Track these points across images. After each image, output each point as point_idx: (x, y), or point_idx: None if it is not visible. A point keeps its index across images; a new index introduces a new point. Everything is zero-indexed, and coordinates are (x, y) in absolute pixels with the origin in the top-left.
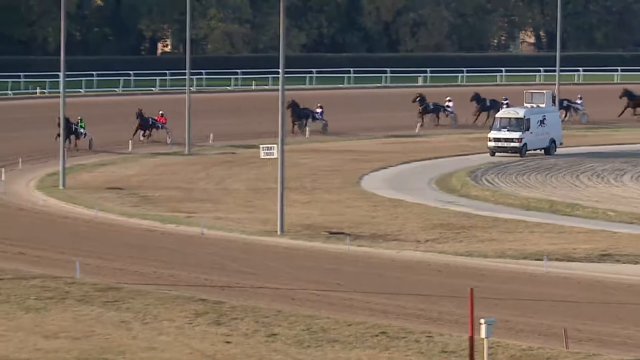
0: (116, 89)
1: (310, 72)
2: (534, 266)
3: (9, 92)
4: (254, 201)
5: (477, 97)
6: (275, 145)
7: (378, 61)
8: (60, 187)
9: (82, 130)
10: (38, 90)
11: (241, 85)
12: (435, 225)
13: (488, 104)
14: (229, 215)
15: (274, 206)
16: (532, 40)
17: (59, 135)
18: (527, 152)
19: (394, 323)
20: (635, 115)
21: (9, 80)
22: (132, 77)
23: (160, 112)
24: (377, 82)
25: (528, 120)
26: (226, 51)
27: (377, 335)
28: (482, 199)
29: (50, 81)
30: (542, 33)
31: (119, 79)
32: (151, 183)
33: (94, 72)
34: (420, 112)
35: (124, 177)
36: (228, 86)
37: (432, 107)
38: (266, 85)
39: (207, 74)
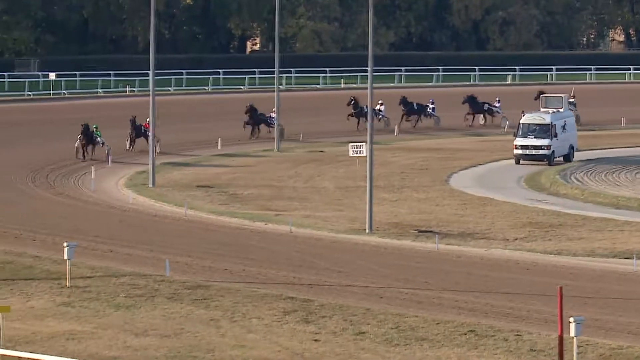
0: (205, 88)
1: (399, 71)
2: (623, 265)
3: (99, 90)
4: (343, 199)
5: (404, 101)
6: (364, 144)
7: (466, 59)
8: (150, 186)
9: (99, 139)
10: (127, 89)
11: (330, 84)
12: (524, 224)
13: (415, 107)
14: (317, 213)
15: (363, 204)
16: (621, 38)
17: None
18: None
19: (482, 321)
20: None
21: (98, 78)
22: (221, 76)
23: (147, 119)
24: (465, 81)
25: (554, 126)
26: (315, 49)
27: (465, 334)
28: (572, 198)
29: (140, 79)
30: (631, 31)
31: (208, 78)
32: (240, 181)
33: (183, 71)
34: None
35: (213, 176)
36: (317, 84)
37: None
38: (354, 83)
39: (296, 72)
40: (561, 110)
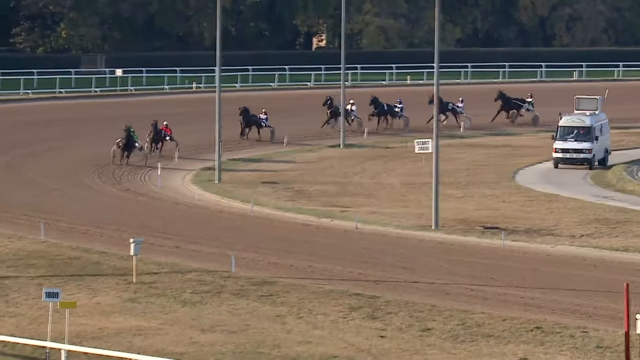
0: (271, 84)
1: (465, 67)
2: None
3: (166, 87)
4: (408, 196)
5: (375, 101)
6: (430, 140)
7: (533, 56)
8: (216, 182)
9: (137, 143)
10: (194, 85)
11: (396, 80)
12: (590, 220)
13: (385, 108)
14: (383, 209)
15: (429, 201)
16: None
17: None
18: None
19: (548, 318)
20: (508, 118)
21: (165, 75)
22: (287, 72)
23: (165, 123)
24: (532, 77)
25: (594, 128)
26: (381, 46)
27: (531, 330)
28: (638, 194)
29: (206, 76)
30: None
31: (274, 74)
32: (306, 177)
33: (249, 67)
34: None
35: (279, 172)
36: (383, 81)
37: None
38: (421, 80)
39: (361, 68)
40: (596, 112)
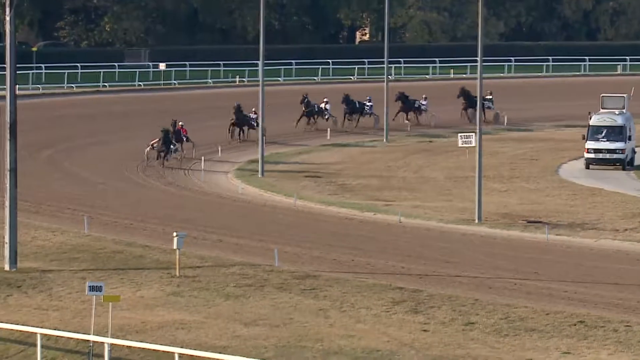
0: (315, 78)
1: (509, 61)
2: None
3: (209, 80)
4: (452, 190)
5: (347, 99)
6: (473, 134)
7: (576, 49)
8: (259, 175)
9: (172, 146)
10: (237, 79)
11: (439, 74)
12: (634, 215)
13: (357, 106)
14: (426, 203)
15: (472, 195)
16: None
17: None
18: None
19: (592, 312)
20: (467, 117)
21: (208, 68)
22: (330, 66)
23: (181, 123)
24: (575, 71)
25: (626, 128)
26: (424, 40)
27: (575, 325)
28: None
29: (250, 70)
30: None
31: (318, 68)
32: (349, 171)
33: (292, 61)
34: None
35: (322, 165)
36: (426, 75)
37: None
38: (464, 73)
39: (405, 62)
40: (624, 111)
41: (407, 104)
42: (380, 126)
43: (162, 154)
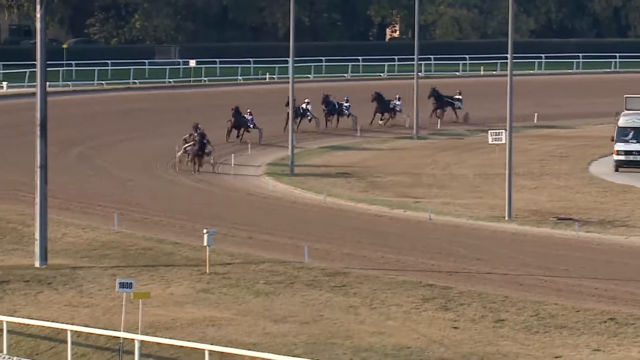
0: (345, 75)
1: (539, 58)
2: None
3: (239, 77)
4: (482, 187)
5: (326, 100)
6: (503, 131)
7: (607, 46)
8: (289, 173)
9: (209, 145)
10: (267, 76)
11: (469, 71)
12: None
13: (336, 106)
14: (456, 200)
15: (502, 192)
16: None
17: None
18: None
19: (622, 309)
20: (438, 117)
21: (239, 66)
22: (360, 63)
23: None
24: (606, 68)
25: None
26: (454, 36)
27: (605, 322)
28: None
29: (279, 67)
30: None
31: (348, 65)
32: (379, 168)
33: (322, 58)
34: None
35: (352, 162)
36: (456, 72)
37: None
38: (494, 70)
39: (435, 59)
40: None
41: (382, 105)
42: (363, 127)
43: (197, 159)
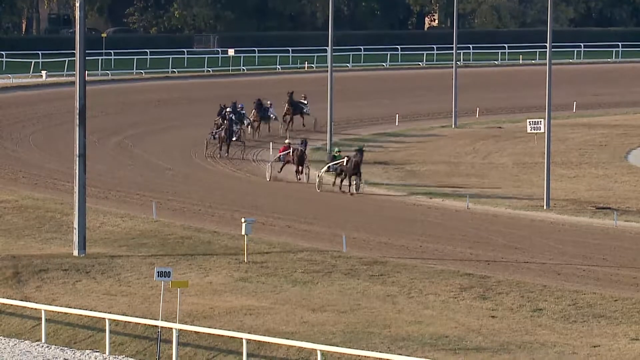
0: (384, 64)
1: (579, 47)
2: None
3: (278, 66)
4: (520, 176)
5: (258, 104)
6: (542, 120)
7: None
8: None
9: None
10: (306, 65)
11: (508, 60)
12: None
13: (299, 106)
14: (494, 189)
15: (540, 181)
16: None
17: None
18: None
19: None
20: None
21: (277, 55)
22: (399, 52)
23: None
24: None
25: None
26: (493, 25)
27: None
28: None
29: (318, 56)
30: None
31: (387, 54)
32: (417, 157)
33: (361, 47)
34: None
35: (390, 151)
36: (495, 60)
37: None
38: (533, 59)
39: (473, 48)
40: None
41: (297, 108)
42: (319, 129)
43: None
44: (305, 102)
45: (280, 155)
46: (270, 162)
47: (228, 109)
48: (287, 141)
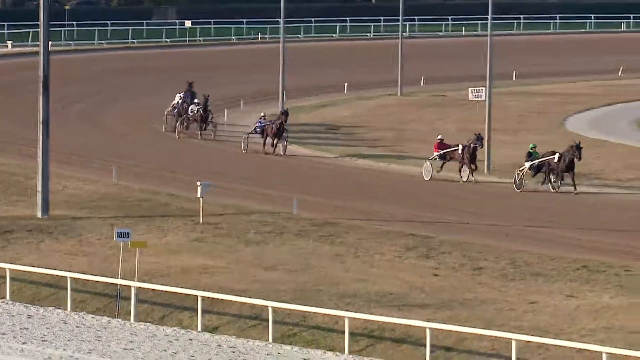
0: (333, 35)
1: (518, 19)
2: None
3: (233, 37)
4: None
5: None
6: (483, 88)
7: (584, 7)
8: None
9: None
10: (259, 36)
11: (452, 31)
12: (638, 165)
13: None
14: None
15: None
16: None
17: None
18: None
19: (595, 258)
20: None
21: (232, 26)
22: (348, 24)
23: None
24: (582, 28)
25: None
26: None
27: (578, 269)
28: None
29: (271, 27)
30: None
31: (336, 25)
32: (366, 124)
33: (312, 19)
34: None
35: (339, 118)
36: (439, 32)
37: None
38: (475, 31)
39: (419, 20)
40: None
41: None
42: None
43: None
44: (197, 100)
45: (256, 127)
46: (245, 135)
47: (196, 101)
48: (262, 113)
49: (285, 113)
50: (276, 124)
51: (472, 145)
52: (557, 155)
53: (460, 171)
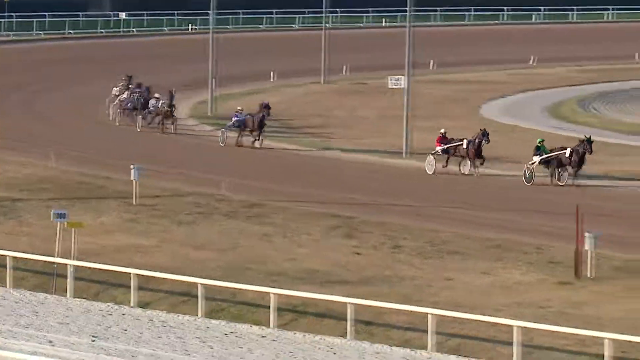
0: (260, 26)
1: (435, 11)
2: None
3: (165, 28)
4: (383, 127)
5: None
6: (402, 77)
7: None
8: (209, 114)
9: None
10: (190, 27)
11: (372, 22)
12: None
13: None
14: (360, 140)
15: (401, 132)
16: None
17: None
18: None
19: (508, 237)
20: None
21: (164, 17)
22: (274, 15)
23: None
24: (495, 20)
25: None
26: None
27: (492, 248)
28: (590, 125)
29: (201, 19)
30: None
31: (263, 17)
32: (292, 110)
33: (240, 11)
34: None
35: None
36: (361, 23)
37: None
38: (395, 22)
39: (341, 12)
40: None
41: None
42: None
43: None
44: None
45: (234, 121)
46: (223, 129)
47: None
48: (239, 107)
49: (266, 106)
50: (258, 117)
51: (477, 140)
52: (568, 150)
53: (460, 165)
